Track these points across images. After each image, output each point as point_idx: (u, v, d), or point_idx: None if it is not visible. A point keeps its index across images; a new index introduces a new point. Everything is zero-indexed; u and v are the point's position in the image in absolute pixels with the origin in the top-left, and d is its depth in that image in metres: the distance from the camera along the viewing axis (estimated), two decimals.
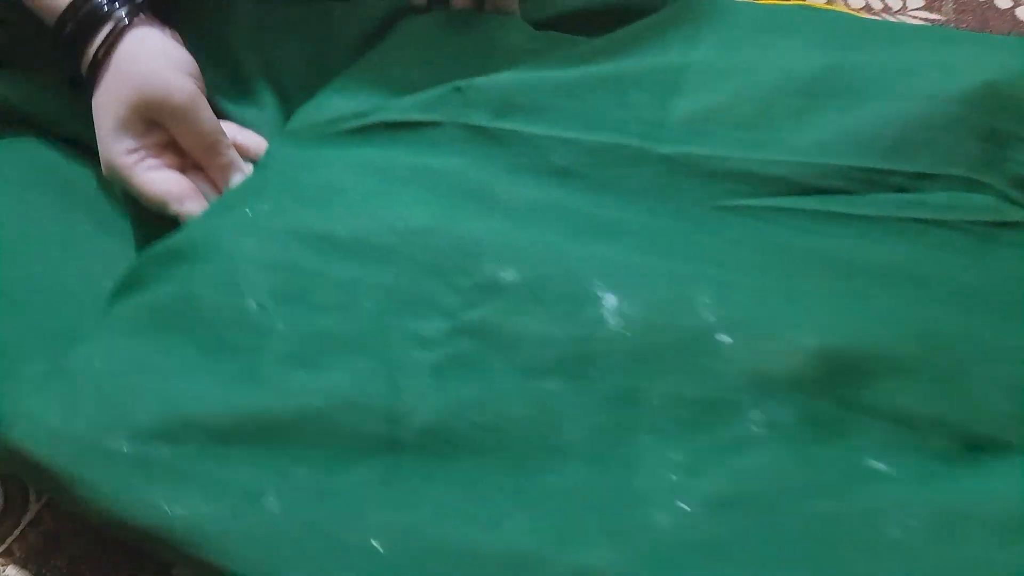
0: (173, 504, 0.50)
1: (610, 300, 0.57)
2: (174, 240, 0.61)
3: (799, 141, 0.62)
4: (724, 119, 0.64)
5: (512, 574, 0.48)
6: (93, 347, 0.55)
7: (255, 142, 0.69)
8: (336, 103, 0.68)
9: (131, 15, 0.62)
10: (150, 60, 0.62)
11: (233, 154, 0.66)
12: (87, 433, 0.52)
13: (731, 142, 0.63)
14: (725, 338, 0.55)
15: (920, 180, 0.60)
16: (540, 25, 0.75)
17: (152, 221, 0.66)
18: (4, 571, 0.59)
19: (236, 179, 0.66)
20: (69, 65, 0.64)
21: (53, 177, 0.67)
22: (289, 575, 0.50)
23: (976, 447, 0.52)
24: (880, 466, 0.51)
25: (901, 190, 0.60)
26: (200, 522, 0.50)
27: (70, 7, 0.62)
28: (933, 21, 0.85)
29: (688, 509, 0.50)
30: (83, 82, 0.65)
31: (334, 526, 0.50)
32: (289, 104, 0.72)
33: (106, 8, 0.62)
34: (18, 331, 0.58)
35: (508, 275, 0.58)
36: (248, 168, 0.68)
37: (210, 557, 0.50)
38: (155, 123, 0.63)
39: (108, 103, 0.62)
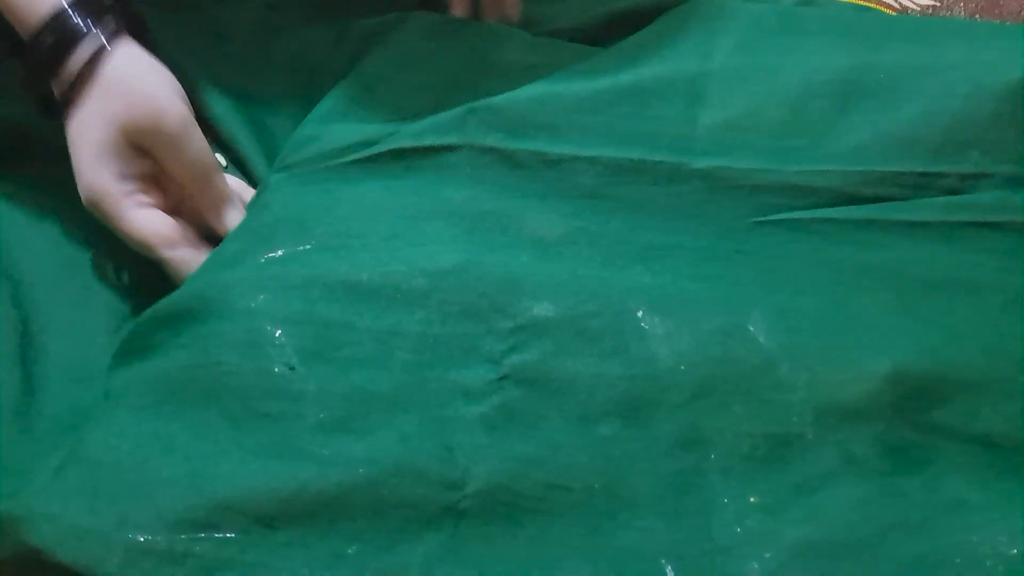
0: None
1: (657, 332, 0.54)
2: (180, 297, 0.55)
3: (836, 147, 0.60)
4: (755, 128, 0.61)
5: None
6: (108, 428, 0.50)
7: (237, 185, 0.65)
8: (337, 131, 0.64)
9: (117, 33, 0.57)
10: (141, 81, 0.57)
11: (227, 186, 0.61)
12: (116, 528, 0.46)
13: (766, 153, 0.60)
14: (786, 367, 0.52)
15: (971, 180, 0.57)
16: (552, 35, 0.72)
17: (146, 271, 0.61)
18: None
19: (232, 217, 0.62)
20: (39, 85, 0.59)
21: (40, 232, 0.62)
22: None
23: None
24: (968, 493, 0.49)
25: (950, 192, 0.57)
26: None
27: (50, 21, 0.56)
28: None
29: (776, 557, 0.47)
30: (53, 104, 0.59)
31: None
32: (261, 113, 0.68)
33: (88, 26, 0.56)
34: (28, 419, 0.53)
35: (548, 312, 0.54)
36: (242, 205, 0.63)
37: None
38: (142, 151, 0.58)
39: (92, 125, 0.57)
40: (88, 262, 0.62)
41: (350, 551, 0.47)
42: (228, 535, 0.47)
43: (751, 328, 0.54)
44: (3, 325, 0.58)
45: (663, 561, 0.47)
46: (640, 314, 0.54)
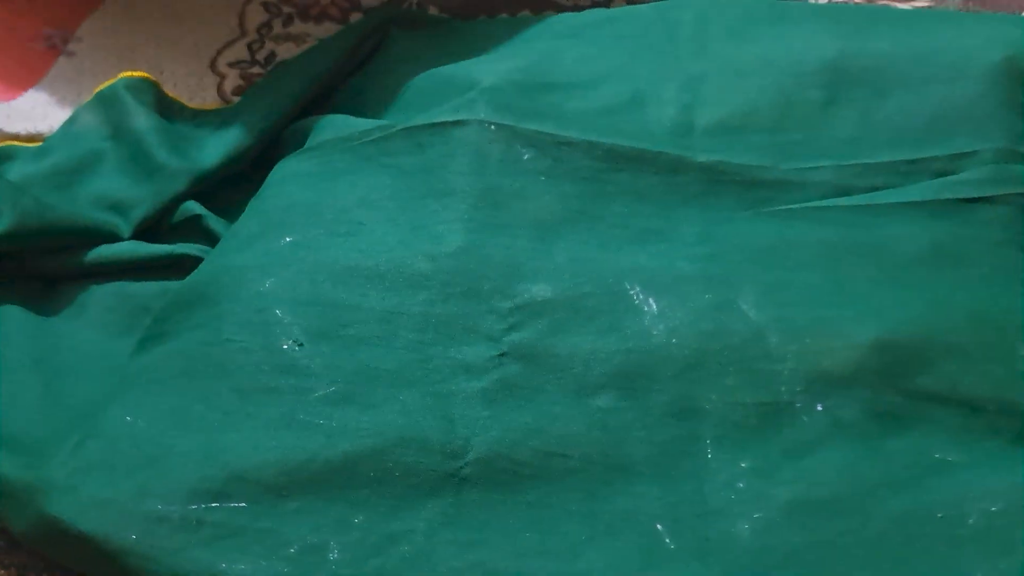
0: (233, 565, 0.47)
1: (652, 309, 0.56)
2: (195, 281, 0.58)
3: (828, 140, 0.62)
4: (750, 125, 0.63)
5: None
6: (125, 404, 0.53)
7: None
8: (357, 121, 0.67)
9: None
10: None
11: None
12: (132, 498, 0.49)
13: (761, 149, 0.62)
14: (775, 339, 0.54)
15: (960, 160, 0.59)
16: None
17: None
18: None
19: None
20: None
21: None
22: None
23: None
24: (951, 456, 0.50)
25: (941, 173, 0.59)
26: None
27: None
28: None
29: (767, 517, 0.49)
30: None
31: (403, 574, 0.48)
32: None
33: None
34: (49, 409, 0.56)
35: (546, 293, 0.56)
36: None
37: None
38: None
39: None
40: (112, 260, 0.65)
41: (357, 518, 0.49)
42: (240, 504, 0.49)
43: (741, 303, 0.55)
44: (25, 322, 0.61)
45: (657, 524, 0.49)
46: (634, 293, 0.56)
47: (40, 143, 0.75)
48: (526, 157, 0.61)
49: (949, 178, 0.59)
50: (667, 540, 0.49)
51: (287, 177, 0.63)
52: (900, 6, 0.82)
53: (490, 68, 0.68)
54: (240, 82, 0.84)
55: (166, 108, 0.78)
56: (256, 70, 0.85)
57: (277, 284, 0.56)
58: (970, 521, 0.48)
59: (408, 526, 0.49)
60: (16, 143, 0.76)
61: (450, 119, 0.62)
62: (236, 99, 0.81)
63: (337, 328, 0.54)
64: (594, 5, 0.83)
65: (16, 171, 0.70)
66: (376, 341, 0.54)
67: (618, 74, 0.68)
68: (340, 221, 0.59)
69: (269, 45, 0.87)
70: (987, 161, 0.59)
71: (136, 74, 0.79)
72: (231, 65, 0.85)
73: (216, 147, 0.72)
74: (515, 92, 0.64)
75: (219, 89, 0.83)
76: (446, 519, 0.49)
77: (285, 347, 0.53)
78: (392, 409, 0.52)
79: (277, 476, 0.49)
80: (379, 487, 0.50)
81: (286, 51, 0.86)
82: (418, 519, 0.49)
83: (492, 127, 0.62)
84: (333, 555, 0.48)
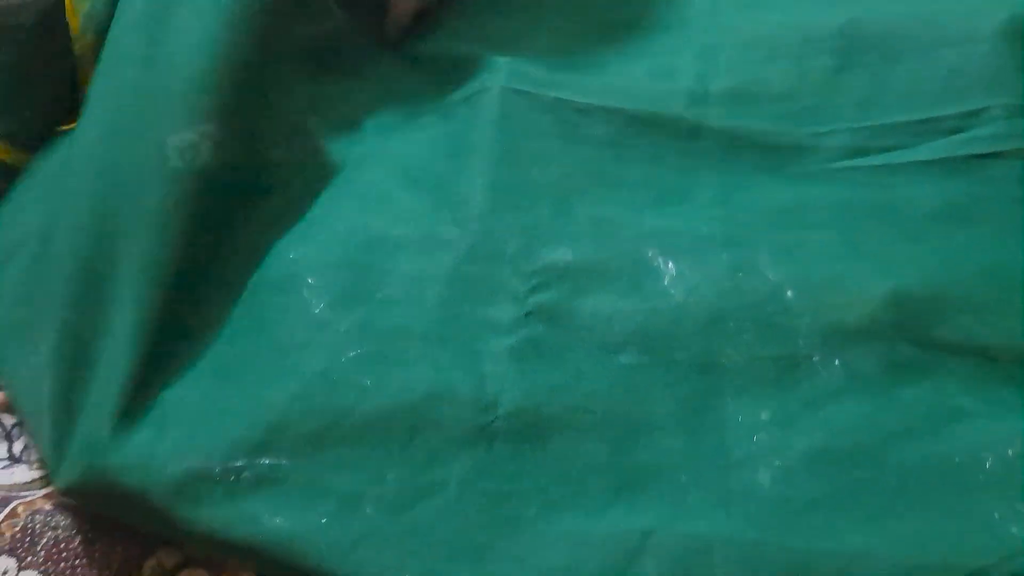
0: (272, 516, 0.49)
1: (671, 271, 0.57)
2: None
3: (842, 105, 0.64)
4: (764, 93, 0.65)
5: (624, 555, 0.48)
6: (169, 362, 0.54)
7: None
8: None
9: None
10: None
11: None
12: (180, 453, 0.50)
13: (776, 116, 0.64)
14: (792, 295, 0.55)
15: (971, 117, 0.61)
16: None
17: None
18: None
19: None
20: None
21: None
22: None
23: None
24: (967, 402, 0.52)
25: (953, 132, 0.60)
26: (300, 532, 0.49)
27: None
28: None
29: (786, 466, 0.50)
30: None
31: (436, 526, 0.50)
32: None
33: None
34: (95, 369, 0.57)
35: (567, 256, 0.58)
36: None
37: (310, 565, 0.50)
38: None
39: None
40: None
41: (390, 472, 0.51)
42: (279, 456, 0.51)
43: (759, 262, 0.57)
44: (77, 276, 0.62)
45: (681, 475, 0.51)
46: (653, 255, 0.58)
47: None
48: (547, 122, 0.63)
49: (961, 135, 0.60)
50: (692, 492, 0.50)
51: (319, 150, 0.65)
52: None
53: (507, 49, 0.70)
54: None
55: None
56: None
57: (309, 251, 0.58)
58: (987, 466, 0.49)
59: (443, 476, 0.51)
60: None
61: (476, 90, 0.65)
62: None
63: (369, 291, 0.56)
64: None
65: None
66: (406, 301, 0.56)
67: (633, 52, 0.70)
68: (370, 189, 0.61)
69: None
70: (998, 117, 0.60)
71: None
72: None
73: None
74: (533, 66, 0.66)
75: None
76: (478, 471, 0.51)
77: (317, 311, 0.55)
78: (424, 366, 0.54)
79: (316, 430, 0.51)
80: (412, 441, 0.52)
81: None
82: (451, 472, 0.51)
83: (516, 94, 0.64)
84: (369, 508, 0.50)
